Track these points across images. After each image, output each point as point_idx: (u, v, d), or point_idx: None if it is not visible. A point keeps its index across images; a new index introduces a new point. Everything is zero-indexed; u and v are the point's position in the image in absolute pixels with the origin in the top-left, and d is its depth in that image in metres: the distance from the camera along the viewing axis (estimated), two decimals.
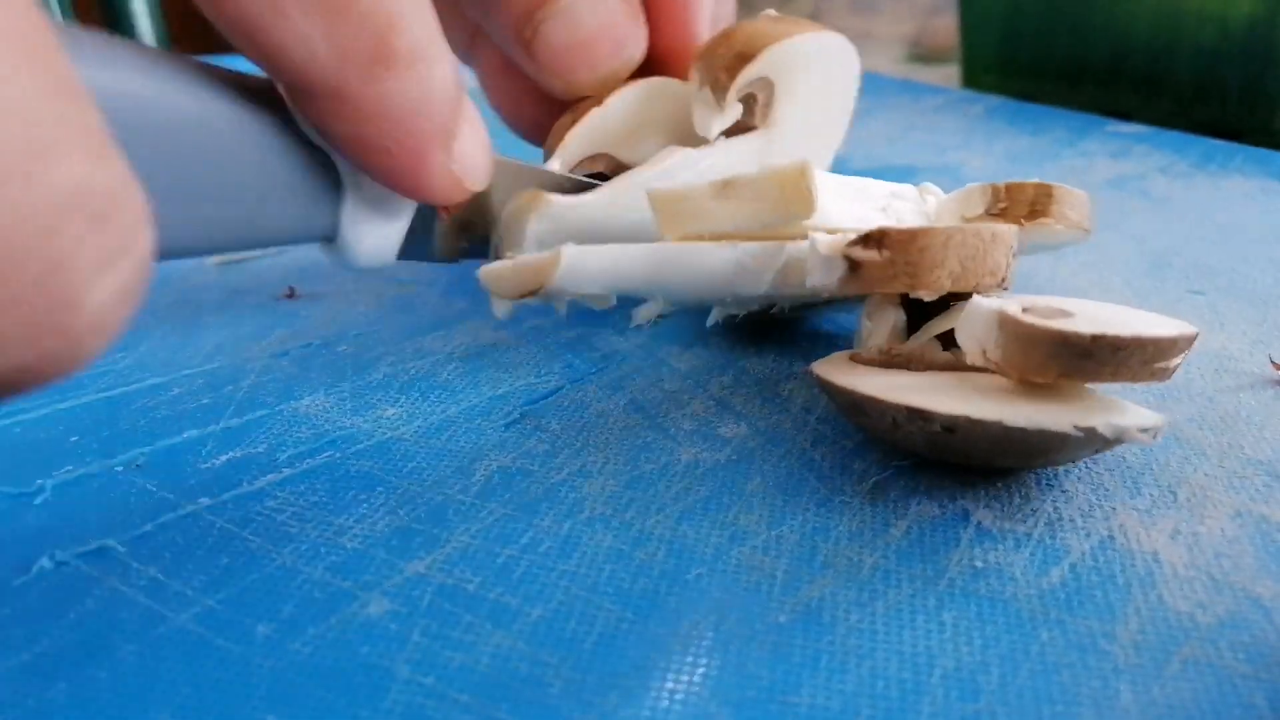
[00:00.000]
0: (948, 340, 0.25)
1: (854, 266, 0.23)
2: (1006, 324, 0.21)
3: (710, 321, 0.31)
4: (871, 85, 0.69)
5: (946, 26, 0.79)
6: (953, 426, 0.22)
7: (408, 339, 0.32)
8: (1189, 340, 0.21)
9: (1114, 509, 0.23)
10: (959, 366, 0.24)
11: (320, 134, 0.21)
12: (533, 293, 0.26)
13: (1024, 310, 0.22)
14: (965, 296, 0.25)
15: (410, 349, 0.31)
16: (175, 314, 0.34)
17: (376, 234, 0.24)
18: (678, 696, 0.18)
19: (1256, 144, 0.51)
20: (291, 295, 0.36)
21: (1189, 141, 0.52)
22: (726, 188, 0.25)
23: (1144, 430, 0.21)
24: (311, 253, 0.40)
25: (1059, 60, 0.63)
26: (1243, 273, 0.36)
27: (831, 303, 0.32)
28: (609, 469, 0.25)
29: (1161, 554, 0.21)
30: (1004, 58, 0.66)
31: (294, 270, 0.38)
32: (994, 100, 0.63)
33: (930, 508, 0.23)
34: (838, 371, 0.25)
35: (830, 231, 0.26)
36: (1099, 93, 0.61)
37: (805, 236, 0.26)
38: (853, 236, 0.23)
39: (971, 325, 0.23)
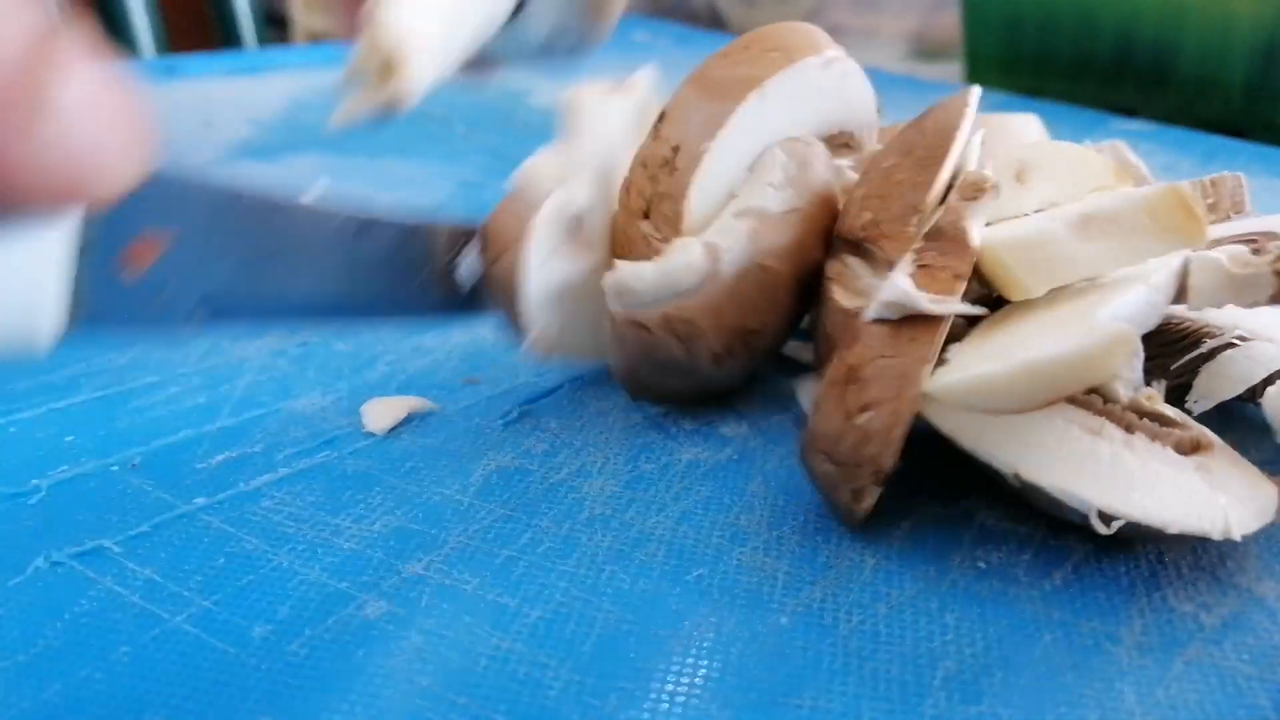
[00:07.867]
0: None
1: None
2: None
3: None
4: (874, 82, 0.68)
5: (949, 22, 0.79)
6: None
7: (406, 338, 0.32)
8: None
9: None
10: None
11: None
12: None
13: None
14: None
15: (409, 348, 0.31)
16: None
17: None
18: (678, 699, 0.18)
19: (1260, 140, 0.51)
20: None
21: (1193, 139, 0.52)
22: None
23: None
24: None
25: (1062, 56, 0.62)
26: None
27: None
28: (609, 469, 0.24)
29: (1165, 554, 0.21)
30: (1007, 54, 0.66)
31: None
32: (997, 96, 0.63)
33: (933, 508, 0.23)
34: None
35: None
36: (1103, 89, 0.61)
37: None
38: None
39: None
